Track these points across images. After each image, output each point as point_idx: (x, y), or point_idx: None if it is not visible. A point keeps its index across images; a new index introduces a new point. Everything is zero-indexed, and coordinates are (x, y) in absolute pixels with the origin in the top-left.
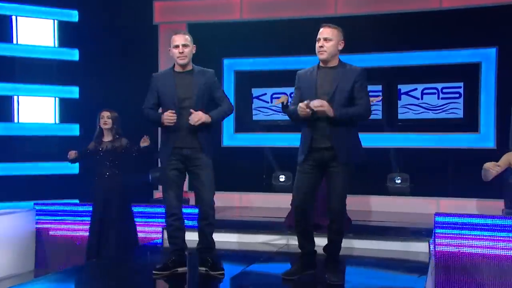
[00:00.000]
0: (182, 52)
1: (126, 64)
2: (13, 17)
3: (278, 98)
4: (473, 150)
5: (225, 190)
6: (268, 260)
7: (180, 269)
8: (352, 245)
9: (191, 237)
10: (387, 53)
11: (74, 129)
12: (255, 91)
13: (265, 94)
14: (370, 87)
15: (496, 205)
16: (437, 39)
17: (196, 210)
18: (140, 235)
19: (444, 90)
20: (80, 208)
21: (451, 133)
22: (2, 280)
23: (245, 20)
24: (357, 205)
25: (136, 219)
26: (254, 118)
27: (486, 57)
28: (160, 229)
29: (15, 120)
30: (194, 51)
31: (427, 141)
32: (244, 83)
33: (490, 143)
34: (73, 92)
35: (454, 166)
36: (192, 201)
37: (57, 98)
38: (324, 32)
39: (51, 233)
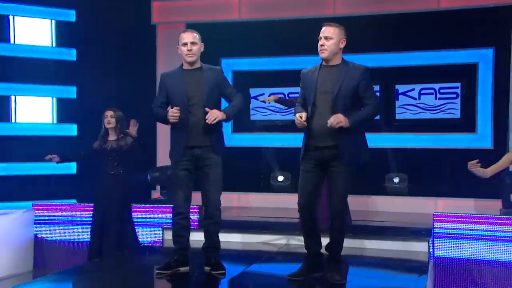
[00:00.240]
0: (191, 50)
1: (124, 64)
2: (11, 17)
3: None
4: (471, 150)
5: (224, 190)
6: (269, 260)
7: (182, 269)
8: (352, 245)
9: (194, 237)
10: (385, 53)
11: (71, 129)
12: (253, 91)
13: (263, 94)
14: None
15: (494, 205)
16: (435, 40)
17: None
18: (139, 235)
19: (442, 91)
20: (79, 208)
21: (449, 133)
22: (1, 281)
23: (244, 20)
24: (356, 205)
25: (135, 219)
26: (252, 118)
27: (483, 58)
28: (159, 229)
29: (13, 120)
30: (202, 49)
31: (425, 141)
32: (242, 83)
33: (487, 143)
34: (71, 92)
35: (452, 166)
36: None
37: (54, 98)
38: (326, 30)
39: (49, 233)
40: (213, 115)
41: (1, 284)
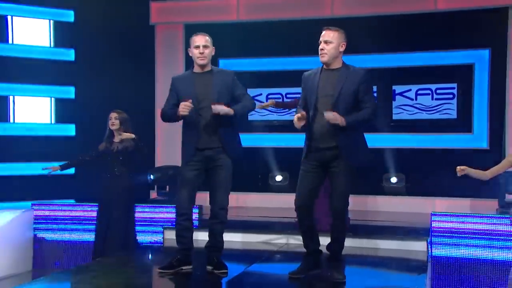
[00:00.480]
0: (202, 53)
1: (123, 65)
2: (9, 17)
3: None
4: (467, 151)
5: None
6: (269, 260)
7: (185, 268)
8: (351, 244)
9: (195, 237)
10: (382, 54)
11: (70, 129)
12: (251, 92)
13: (261, 94)
14: None
15: (490, 204)
16: (431, 41)
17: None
18: (140, 235)
19: (438, 91)
20: (78, 208)
21: (445, 134)
22: (1, 280)
23: (242, 21)
24: (354, 205)
25: (136, 219)
26: (250, 118)
27: (479, 59)
28: (160, 229)
29: (11, 120)
30: (213, 53)
31: (421, 142)
32: (240, 83)
33: (483, 144)
34: (69, 92)
35: (448, 166)
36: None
37: (53, 98)
38: (325, 35)
39: (48, 233)
40: (219, 105)
41: (0, 284)
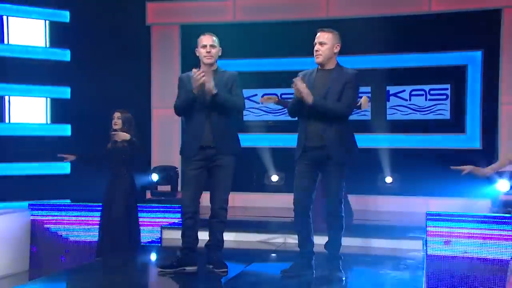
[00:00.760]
0: (209, 52)
1: (118, 65)
2: (4, 17)
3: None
4: (460, 151)
5: None
6: (268, 259)
7: (188, 268)
8: (347, 243)
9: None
10: (377, 55)
11: (65, 129)
12: (246, 92)
13: (256, 95)
14: (360, 89)
15: (483, 204)
16: (425, 42)
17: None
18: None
19: (432, 92)
20: (75, 208)
21: (438, 134)
22: None
23: (238, 22)
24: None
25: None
26: (245, 118)
27: (472, 60)
28: (158, 228)
29: (7, 121)
30: (220, 53)
31: (415, 142)
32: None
33: (476, 144)
34: (65, 92)
35: (442, 166)
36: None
37: (48, 99)
38: (320, 36)
39: (45, 233)
40: (202, 74)
41: None
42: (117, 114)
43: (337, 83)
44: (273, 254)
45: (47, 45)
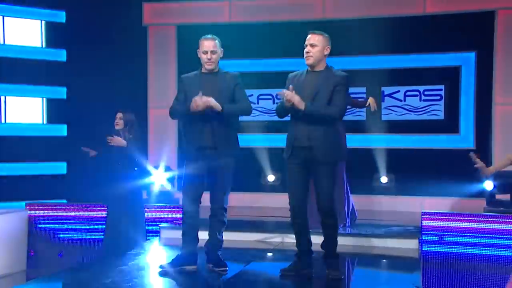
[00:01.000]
0: (210, 58)
1: (115, 65)
2: (0, 18)
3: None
4: (454, 151)
5: None
6: (266, 258)
7: (188, 267)
8: (343, 243)
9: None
10: (372, 56)
11: (61, 130)
12: None
13: (252, 95)
14: (355, 89)
15: (477, 203)
16: (420, 43)
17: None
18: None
19: (426, 93)
20: (72, 208)
21: (433, 134)
22: None
23: (234, 22)
24: None
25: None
26: (241, 118)
27: (466, 61)
28: (157, 228)
29: (3, 121)
30: (221, 55)
31: (410, 142)
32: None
33: (470, 144)
34: (61, 92)
35: (436, 166)
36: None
37: (44, 99)
38: (311, 38)
39: (43, 233)
40: (205, 98)
41: None
42: (119, 115)
43: (326, 85)
44: (271, 254)
45: (43, 45)
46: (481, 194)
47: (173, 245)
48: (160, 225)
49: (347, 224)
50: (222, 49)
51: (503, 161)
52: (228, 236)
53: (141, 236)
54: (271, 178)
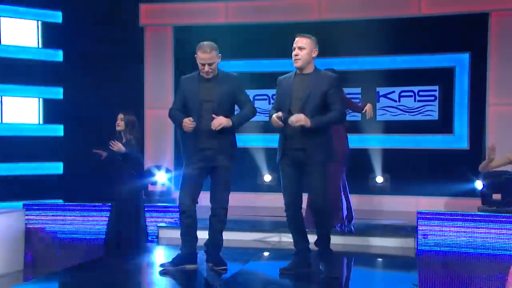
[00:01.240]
0: (208, 70)
1: (111, 66)
2: None
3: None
4: (448, 151)
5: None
6: (264, 258)
7: (188, 266)
8: (340, 242)
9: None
10: (367, 57)
11: (58, 130)
12: None
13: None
14: (350, 90)
15: (471, 203)
16: (414, 44)
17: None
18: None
19: (420, 93)
20: (69, 208)
21: (427, 135)
22: None
23: (230, 23)
24: None
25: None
26: None
27: (460, 62)
28: (156, 228)
29: None
30: (219, 60)
31: (404, 142)
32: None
33: (464, 144)
34: (57, 93)
35: (431, 166)
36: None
37: (41, 99)
38: (298, 41)
39: (40, 233)
40: (218, 122)
41: None
42: (120, 116)
43: (318, 87)
44: (269, 253)
45: (40, 46)
46: (475, 193)
47: (173, 245)
48: (158, 225)
49: (344, 224)
50: (220, 54)
51: (502, 160)
52: (226, 236)
53: (141, 236)
54: (267, 178)
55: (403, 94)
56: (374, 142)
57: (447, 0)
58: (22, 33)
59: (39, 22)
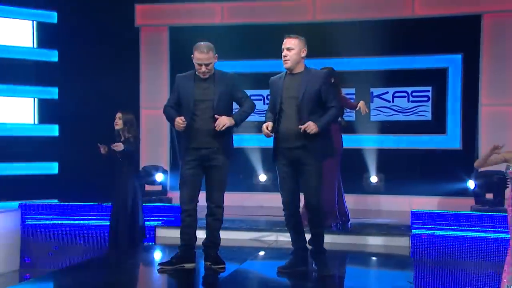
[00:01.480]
0: (205, 71)
1: (107, 66)
2: None
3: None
4: (441, 151)
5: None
6: (261, 257)
7: (187, 265)
8: (336, 241)
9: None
10: (361, 58)
11: (53, 130)
12: None
13: None
14: (344, 90)
15: (464, 202)
16: (408, 45)
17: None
18: None
19: (414, 94)
20: (66, 208)
21: (420, 135)
22: None
23: (226, 24)
24: None
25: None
26: None
27: (453, 63)
28: (154, 227)
29: None
30: (216, 61)
31: (398, 142)
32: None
33: (456, 144)
34: (52, 93)
35: (424, 166)
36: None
37: (36, 99)
38: (287, 42)
39: (36, 233)
40: (222, 122)
41: None
42: (119, 115)
43: (311, 84)
44: (266, 252)
45: (35, 46)
46: (468, 193)
47: (171, 244)
48: (156, 225)
49: (339, 223)
50: (216, 54)
51: (499, 157)
52: (222, 235)
53: (139, 235)
54: (262, 178)
55: (396, 94)
56: (368, 142)
57: (441, 1)
58: (17, 33)
59: (34, 22)
